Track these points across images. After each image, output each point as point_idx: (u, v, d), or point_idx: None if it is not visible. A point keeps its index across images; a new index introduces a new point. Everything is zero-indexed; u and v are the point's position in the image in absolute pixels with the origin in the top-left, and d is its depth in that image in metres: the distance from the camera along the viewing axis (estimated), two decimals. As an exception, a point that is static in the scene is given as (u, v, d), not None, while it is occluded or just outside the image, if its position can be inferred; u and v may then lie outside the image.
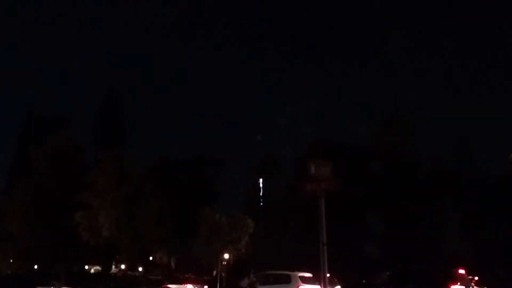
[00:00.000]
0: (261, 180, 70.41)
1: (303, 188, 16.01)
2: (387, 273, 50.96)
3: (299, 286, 28.62)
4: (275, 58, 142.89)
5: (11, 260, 65.09)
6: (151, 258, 69.23)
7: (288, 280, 29.29)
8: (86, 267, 69.04)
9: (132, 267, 60.17)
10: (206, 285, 46.19)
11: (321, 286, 15.49)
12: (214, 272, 48.83)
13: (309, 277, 29.47)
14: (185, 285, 42.71)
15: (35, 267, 63.24)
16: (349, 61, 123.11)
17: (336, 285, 34.29)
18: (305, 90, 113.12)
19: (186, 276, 54.15)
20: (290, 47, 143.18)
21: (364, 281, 49.05)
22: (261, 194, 68.18)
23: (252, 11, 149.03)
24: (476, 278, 40.88)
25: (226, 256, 45.72)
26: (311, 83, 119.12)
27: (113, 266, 66.29)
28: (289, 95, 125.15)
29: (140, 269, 64.82)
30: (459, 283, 31.33)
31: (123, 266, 58.43)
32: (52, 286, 41.75)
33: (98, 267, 68.50)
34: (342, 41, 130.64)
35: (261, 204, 65.01)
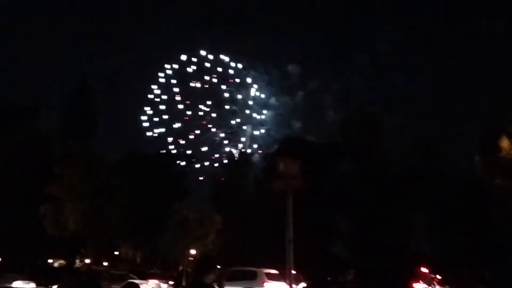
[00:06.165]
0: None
1: (271, 184, 16.12)
2: (352, 271, 51.54)
3: (264, 282, 28.77)
4: (246, 54, 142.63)
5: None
6: (116, 252, 68.69)
7: (254, 276, 29.43)
8: (50, 260, 68.07)
9: (97, 261, 59.54)
10: (171, 280, 46.00)
11: (286, 283, 15.62)
12: (180, 268, 48.66)
13: (275, 274, 29.65)
14: (148, 280, 42.55)
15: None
16: (320, 60, 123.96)
17: (301, 282, 34.60)
18: (277, 87, 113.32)
19: (152, 271, 53.82)
20: (260, 46, 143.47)
21: (329, 278, 49.49)
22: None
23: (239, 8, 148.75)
24: (439, 277, 41.65)
25: (193, 251, 45.62)
26: (282, 80, 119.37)
27: (77, 260, 65.53)
28: (260, 91, 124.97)
29: (105, 263, 64.20)
30: (420, 281, 31.89)
31: (87, 260, 57.74)
32: None
33: (62, 261, 67.62)
34: (316, 39, 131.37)
35: (230, 200, 64.88)
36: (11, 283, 42.46)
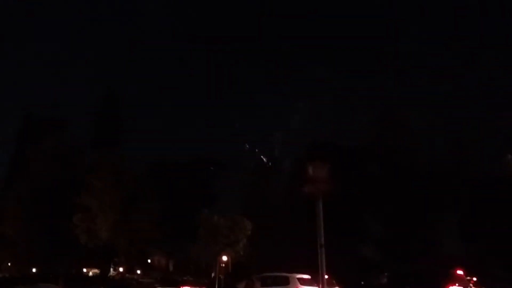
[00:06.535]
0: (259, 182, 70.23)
1: (301, 189, 16.01)
2: (385, 274, 50.98)
3: (297, 287, 28.63)
4: (273, 61, 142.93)
5: (9, 264, 64.91)
6: (149, 260, 69.20)
7: (286, 282, 29.31)
8: (84, 270, 68.92)
9: (130, 269, 60.05)
10: (204, 287, 46.15)
11: (319, 288, 15.50)
12: (213, 274, 48.79)
13: (307, 279, 29.49)
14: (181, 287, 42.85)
15: (33, 270, 63.08)
16: (344, 64, 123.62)
17: (334, 286, 34.30)
18: (303, 92, 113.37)
19: (184, 278, 54.09)
20: (286, 50, 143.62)
21: (362, 282, 49.06)
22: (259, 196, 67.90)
23: (254, 16, 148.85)
24: (475, 279, 40.93)
25: (225, 258, 45.70)
26: (308, 85, 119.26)
27: (111, 269, 66.19)
28: (287, 97, 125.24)
29: (138, 271, 64.71)
30: (457, 284, 31.38)
31: (121, 269, 58.31)
32: None
33: (96, 270, 68.40)
34: (339, 46, 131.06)
35: (259, 206, 64.80)
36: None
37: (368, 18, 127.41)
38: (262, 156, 78.76)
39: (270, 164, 72.09)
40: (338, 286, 35.73)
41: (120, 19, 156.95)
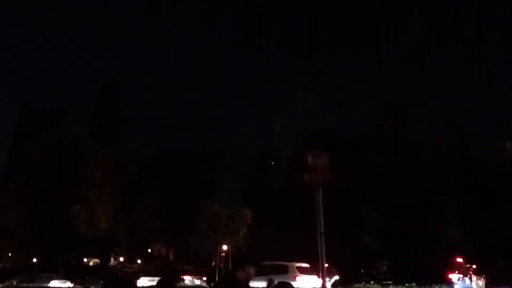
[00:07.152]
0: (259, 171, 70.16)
1: (301, 178, 15.98)
2: (385, 262, 51.08)
3: (296, 276, 28.70)
4: (272, 50, 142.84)
5: (9, 254, 65.10)
6: (149, 250, 69.37)
7: (285, 270, 29.38)
8: (85, 259, 69.16)
9: (130, 259, 60.20)
10: (204, 276, 46.29)
11: (318, 276, 15.51)
12: (213, 264, 48.92)
13: (306, 267, 29.58)
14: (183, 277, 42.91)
15: (34, 260, 63.26)
16: (345, 53, 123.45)
17: (334, 275, 34.42)
18: (303, 81, 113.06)
19: (185, 267, 54.23)
20: (286, 38, 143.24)
21: (362, 271, 49.15)
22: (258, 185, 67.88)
23: (255, 4, 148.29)
24: (474, 266, 41.07)
25: (225, 247, 45.78)
26: (308, 74, 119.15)
27: (112, 259, 66.39)
28: (287, 86, 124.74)
29: (139, 261, 64.90)
30: (457, 272, 31.44)
31: (121, 259, 58.45)
32: None
33: (97, 260, 68.63)
34: (340, 33, 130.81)
35: (259, 195, 64.74)
36: (47, 282, 43.39)
37: (369, 7, 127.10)
38: (262, 146, 78.69)
39: (270, 153, 71.90)
40: (337, 275, 35.82)
41: (118, 12, 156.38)
